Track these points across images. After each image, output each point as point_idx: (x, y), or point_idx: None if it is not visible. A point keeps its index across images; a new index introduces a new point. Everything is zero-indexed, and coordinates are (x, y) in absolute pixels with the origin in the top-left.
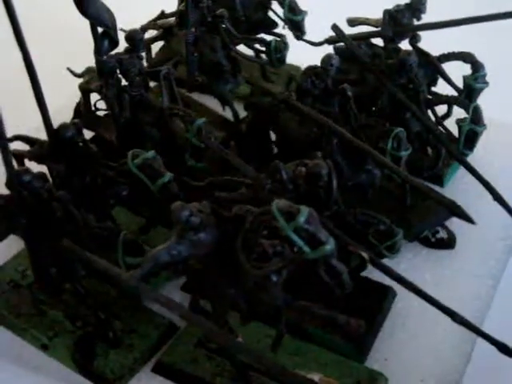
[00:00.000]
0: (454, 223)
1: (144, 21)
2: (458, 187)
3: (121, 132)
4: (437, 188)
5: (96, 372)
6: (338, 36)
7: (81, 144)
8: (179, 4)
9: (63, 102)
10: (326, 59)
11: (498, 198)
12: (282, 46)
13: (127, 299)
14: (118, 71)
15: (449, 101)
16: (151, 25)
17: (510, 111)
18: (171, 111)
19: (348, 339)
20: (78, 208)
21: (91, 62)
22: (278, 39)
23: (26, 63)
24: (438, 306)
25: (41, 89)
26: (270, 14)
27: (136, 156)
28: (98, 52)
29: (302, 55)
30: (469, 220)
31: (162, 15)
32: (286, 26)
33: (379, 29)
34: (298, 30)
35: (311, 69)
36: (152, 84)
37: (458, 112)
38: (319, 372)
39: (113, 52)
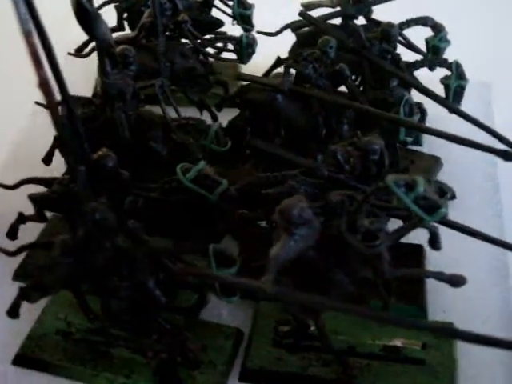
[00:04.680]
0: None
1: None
2: (434, 141)
3: (121, 155)
4: (417, 148)
5: None
6: (308, 21)
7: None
8: (118, 18)
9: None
10: (325, 42)
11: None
12: (252, 42)
13: (187, 318)
14: None
15: (431, 63)
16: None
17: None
18: (179, 122)
19: (406, 302)
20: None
21: None
22: (249, 35)
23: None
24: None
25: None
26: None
27: (187, 170)
28: (105, 74)
29: None
30: None
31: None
32: (234, 22)
33: (338, 8)
34: (248, 24)
35: (311, 54)
36: None
37: None
38: (398, 336)
39: None
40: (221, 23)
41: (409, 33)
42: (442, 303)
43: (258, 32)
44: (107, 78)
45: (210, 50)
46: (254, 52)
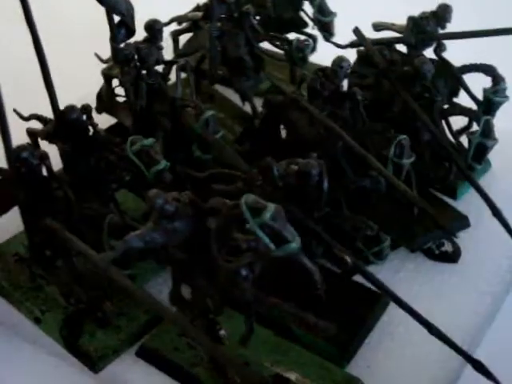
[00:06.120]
0: (462, 237)
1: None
2: (472, 201)
3: (136, 119)
4: (450, 200)
5: (80, 349)
6: (358, 39)
7: (90, 127)
8: None
9: (89, 89)
10: (337, 61)
11: (496, 213)
12: (303, 46)
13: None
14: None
15: (462, 112)
16: (181, 17)
17: None
18: (183, 102)
19: (332, 343)
20: (80, 189)
21: None
22: (301, 38)
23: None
24: (416, 317)
25: (49, 70)
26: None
27: (134, 142)
28: (113, 39)
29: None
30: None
31: (198, 9)
32: (315, 27)
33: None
34: (327, 31)
35: (322, 70)
36: None
37: None
38: (297, 371)
39: (132, 40)
40: (304, 24)
41: None
42: (372, 358)
43: (330, 42)
44: (115, 44)
45: None
46: (305, 57)
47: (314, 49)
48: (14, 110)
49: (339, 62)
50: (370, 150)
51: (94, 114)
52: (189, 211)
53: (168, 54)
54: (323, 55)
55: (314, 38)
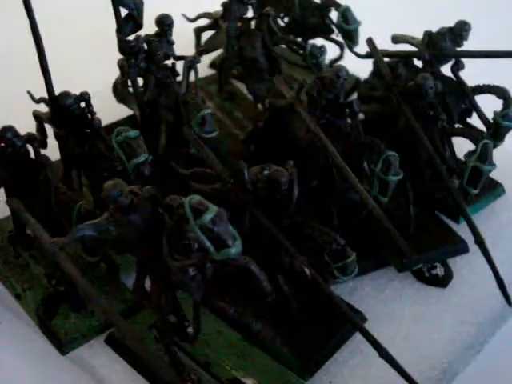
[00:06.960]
0: (458, 262)
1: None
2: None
3: (142, 111)
4: (451, 224)
5: (52, 330)
6: (370, 50)
7: (89, 115)
8: None
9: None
10: (335, 70)
11: (479, 242)
12: (317, 52)
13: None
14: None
15: (462, 133)
16: (207, 14)
17: None
18: (184, 98)
19: (296, 354)
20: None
21: None
22: (316, 45)
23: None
24: (367, 337)
25: (45, 56)
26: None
27: (120, 133)
28: (119, 31)
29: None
30: None
31: None
32: (339, 34)
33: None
34: (350, 40)
35: (320, 78)
36: None
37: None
38: (255, 378)
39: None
40: (329, 30)
41: None
42: (337, 374)
43: (351, 51)
44: (121, 35)
45: None
46: (318, 63)
47: (341, 56)
48: (28, 92)
49: (337, 71)
50: (362, 163)
51: (120, 106)
52: (147, 206)
53: (190, 49)
54: (351, 63)
55: (341, 45)
